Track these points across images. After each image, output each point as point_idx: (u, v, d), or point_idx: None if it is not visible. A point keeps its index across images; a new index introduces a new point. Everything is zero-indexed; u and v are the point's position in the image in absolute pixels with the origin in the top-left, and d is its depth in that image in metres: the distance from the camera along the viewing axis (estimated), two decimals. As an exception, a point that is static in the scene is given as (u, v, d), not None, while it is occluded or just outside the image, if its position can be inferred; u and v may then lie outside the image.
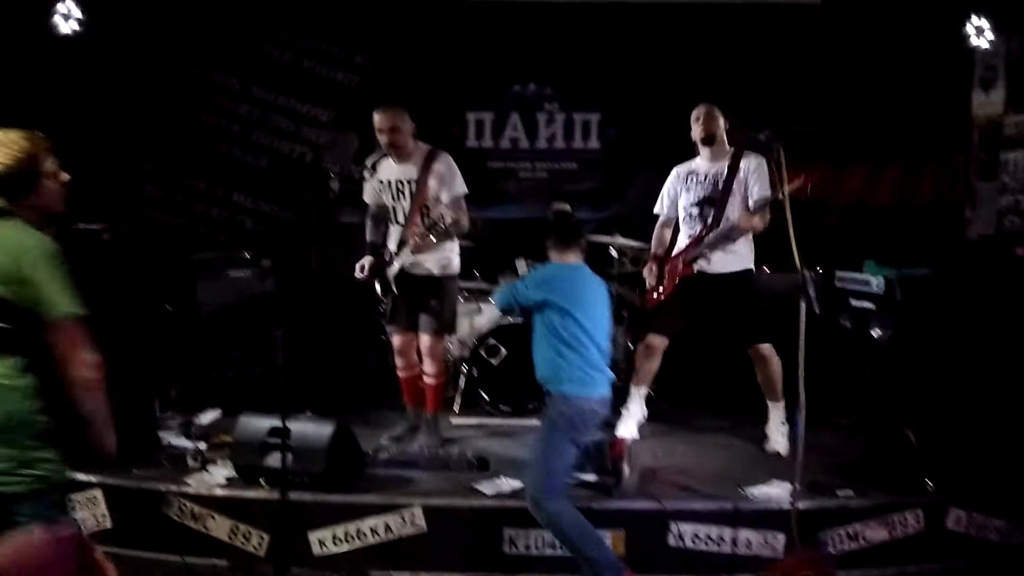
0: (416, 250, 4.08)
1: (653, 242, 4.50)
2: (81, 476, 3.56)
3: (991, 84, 5.48)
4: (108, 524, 3.57)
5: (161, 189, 6.27)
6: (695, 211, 4.26)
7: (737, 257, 4.19)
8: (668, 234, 4.46)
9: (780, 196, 3.59)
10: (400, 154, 4.16)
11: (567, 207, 5.25)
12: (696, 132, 4.24)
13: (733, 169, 4.15)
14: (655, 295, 4.33)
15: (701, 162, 4.31)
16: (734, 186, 4.14)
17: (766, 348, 4.17)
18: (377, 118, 4.13)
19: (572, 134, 6.31)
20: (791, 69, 5.94)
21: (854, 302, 4.86)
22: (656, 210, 4.52)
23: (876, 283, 4.73)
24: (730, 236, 4.13)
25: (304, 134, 6.34)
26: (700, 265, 4.20)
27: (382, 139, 4.13)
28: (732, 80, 5.88)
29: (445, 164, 4.18)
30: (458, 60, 6.14)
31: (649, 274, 4.39)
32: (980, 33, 5.16)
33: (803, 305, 3.32)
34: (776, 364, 4.16)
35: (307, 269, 5.94)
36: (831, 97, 5.89)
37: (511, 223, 5.87)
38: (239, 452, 3.67)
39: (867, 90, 5.83)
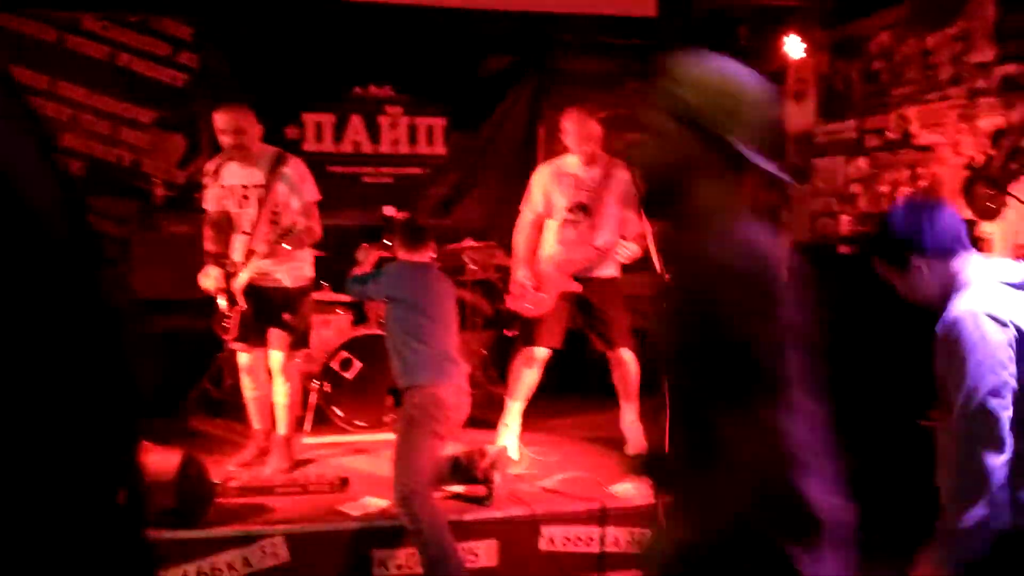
0: (266, 259, 3.84)
1: (520, 243, 4.29)
2: None
3: (802, 96, 5.96)
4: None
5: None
6: (569, 216, 4.18)
7: (608, 263, 4.20)
8: (536, 235, 4.29)
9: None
10: (245, 157, 3.89)
11: (393, 211, 5.15)
12: (570, 141, 4.16)
13: (607, 177, 4.13)
14: (532, 305, 4.15)
15: (574, 163, 4.22)
16: (609, 196, 4.13)
17: (627, 353, 4.18)
18: (219, 118, 3.85)
19: (416, 138, 6.21)
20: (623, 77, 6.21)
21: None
22: (524, 207, 4.34)
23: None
24: (607, 255, 4.15)
25: (123, 136, 5.80)
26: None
27: (225, 141, 3.85)
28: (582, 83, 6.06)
29: (295, 168, 3.97)
30: (294, 59, 5.86)
31: (525, 279, 4.18)
32: (793, 48, 5.58)
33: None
34: (635, 368, 4.19)
35: (130, 284, 5.49)
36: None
37: (356, 230, 5.68)
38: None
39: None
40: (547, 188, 4.26)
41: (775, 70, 5.89)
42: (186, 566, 3.16)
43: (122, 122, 5.78)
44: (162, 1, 5.59)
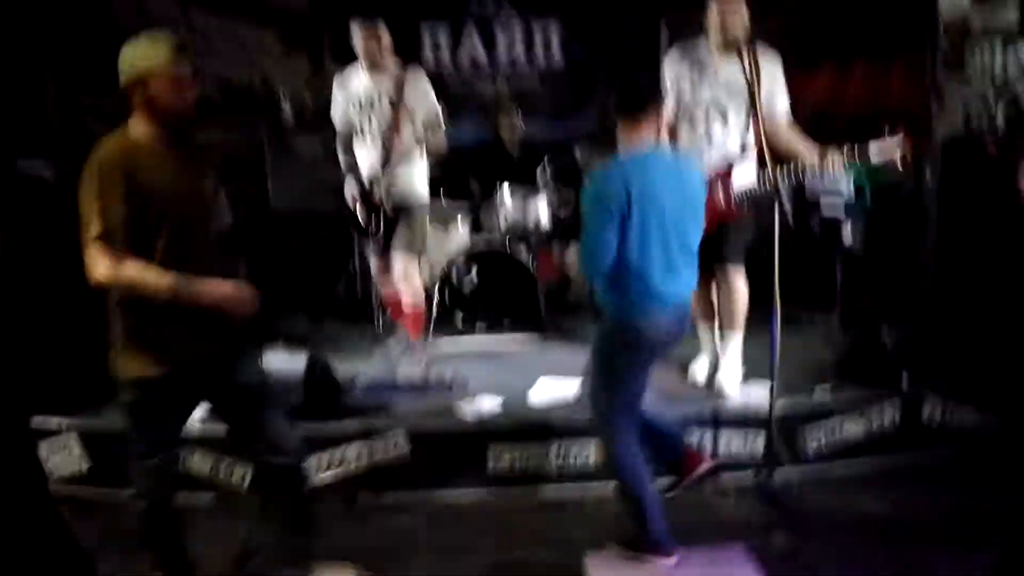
0: (398, 165, 4.01)
1: None
2: (53, 421, 3.48)
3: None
4: (84, 468, 3.50)
5: (104, 124, 5.94)
6: (715, 113, 3.60)
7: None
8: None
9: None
10: (375, 67, 4.00)
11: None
12: (717, 24, 3.51)
13: (752, 70, 3.28)
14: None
15: (710, 55, 3.60)
16: (756, 92, 3.28)
17: (737, 270, 3.71)
18: (356, 28, 3.99)
19: (533, 46, 6.10)
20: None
21: (824, 208, 4.84)
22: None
23: (846, 189, 4.69)
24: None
25: (253, 59, 6.03)
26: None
27: (361, 50, 4.00)
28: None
29: (422, 79, 4.11)
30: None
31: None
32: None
33: (777, 210, 3.27)
34: (745, 290, 3.72)
35: (264, 199, 5.82)
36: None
37: (471, 143, 5.70)
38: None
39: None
40: (678, 82, 3.68)
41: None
42: (318, 456, 3.39)
43: (251, 45, 6.00)
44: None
